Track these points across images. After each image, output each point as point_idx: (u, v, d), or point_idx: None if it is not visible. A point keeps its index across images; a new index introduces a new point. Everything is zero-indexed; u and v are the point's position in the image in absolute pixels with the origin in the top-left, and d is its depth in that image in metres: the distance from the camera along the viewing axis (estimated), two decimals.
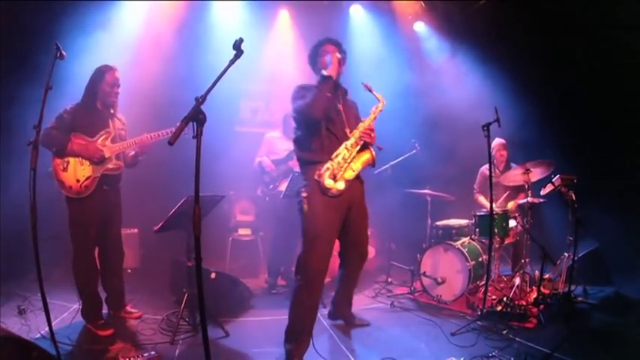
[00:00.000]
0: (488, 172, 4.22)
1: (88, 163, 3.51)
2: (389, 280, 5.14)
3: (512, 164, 5.13)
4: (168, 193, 4.83)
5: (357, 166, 3.14)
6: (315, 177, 3.01)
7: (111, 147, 3.62)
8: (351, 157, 3.12)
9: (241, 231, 5.60)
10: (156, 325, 3.74)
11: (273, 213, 5.25)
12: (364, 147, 3.20)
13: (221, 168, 5.50)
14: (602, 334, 3.63)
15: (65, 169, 3.45)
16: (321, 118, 3.07)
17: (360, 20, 6.62)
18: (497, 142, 5.11)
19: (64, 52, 3.00)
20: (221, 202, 5.32)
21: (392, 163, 5.04)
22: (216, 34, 5.88)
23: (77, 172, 3.48)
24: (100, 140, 3.57)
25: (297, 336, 3.06)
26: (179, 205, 3.42)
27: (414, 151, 5.07)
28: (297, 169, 5.27)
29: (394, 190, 5.08)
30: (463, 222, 4.95)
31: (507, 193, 5.01)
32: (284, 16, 6.54)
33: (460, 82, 6.30)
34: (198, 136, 2.19)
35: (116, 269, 3.86)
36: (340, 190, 3.04)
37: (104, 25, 5.21)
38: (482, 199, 5.22)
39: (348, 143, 3.13)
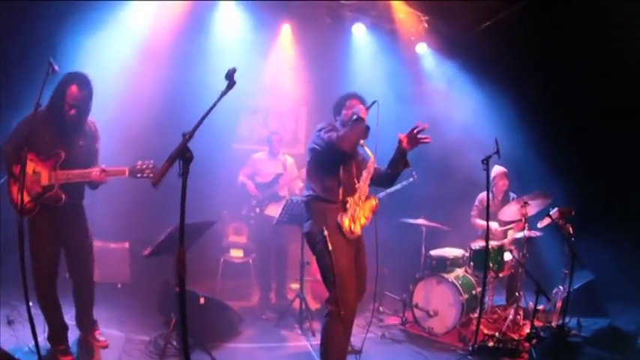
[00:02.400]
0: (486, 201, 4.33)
1: None
2: (380, 309, 5.22)
3: (512, 194, 5.25)
4: (159, 206, 4.85)
5: (367, 213, 3.35)
6: (338, 221, 3.20)
7: (57, 174, 3.34)
8: (362, 204, 3.33)
9: (233, 252, 5.66)
10: (143, 346, 3.82)
11: (260, 236, 5.48)
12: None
13: (216, 186, 5.60)
14: None
15: (15, 183, 3.29)
16: (348, 153, 3.24)
17: (362, 39, 6.73)
18: (498, 170, 5.22)
19: (56, 67, 3.02)
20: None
21: (388, 191, 5.12)
22: (217, 47, 5.99)
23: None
24: (47, 162, 3.34)
25: None
26: (168, 232, 3.47)
27: (412, 179, 5.16)
28: (281, 193, 5.45)
29: (388, 217, 5.15)
30: (458, 252, 5.01)
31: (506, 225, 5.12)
32: (286, 32, 6.64)
33: (458, 107, 6.42)
34: (184, 174, 2.09)
35: (82, 286, 3.67)
36: (358, 234, 3.29)
37: (102, 28, 5.29)
38: (480, 222, 5.29)
39: (361, 194, 3.34)
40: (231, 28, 6.11)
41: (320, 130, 3.32)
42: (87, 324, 3.76)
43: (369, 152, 3.47)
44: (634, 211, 4.82)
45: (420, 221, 5.08)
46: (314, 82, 6.69)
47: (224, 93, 2.27)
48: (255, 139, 6.78)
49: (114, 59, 5.29)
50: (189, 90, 5.54)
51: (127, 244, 5.53)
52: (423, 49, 6.87)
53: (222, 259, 5.65)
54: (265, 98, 6.73)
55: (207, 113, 2.22)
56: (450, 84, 6.66)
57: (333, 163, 3.28)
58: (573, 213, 4.23)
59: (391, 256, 5.54)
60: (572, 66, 5.35)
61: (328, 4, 6.22)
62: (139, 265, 5.56)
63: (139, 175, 3.41)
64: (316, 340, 4.23)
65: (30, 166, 3.26)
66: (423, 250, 5.16)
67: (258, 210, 5.38)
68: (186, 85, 5.64)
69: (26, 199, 3.25)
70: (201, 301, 4.09)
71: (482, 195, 5.37)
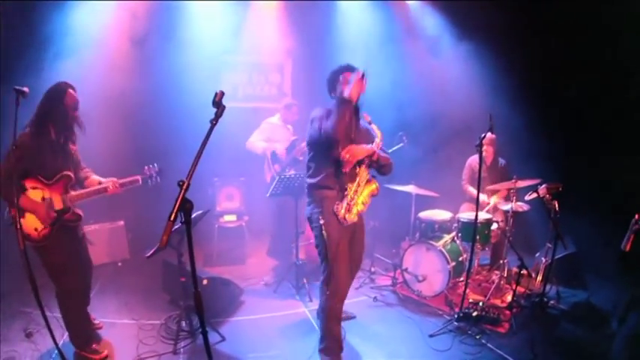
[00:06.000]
0: (476, 165, 4.64)
1: None
2: (372, 269, 5.68)
3: (501, 159, 5.56)
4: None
5: (366, 199, 3.61)
6: (334, 210, 3.47)
7: (71, 196, 3.43)
8: (362, 189, 3.57)
9: (227, 217, 6.01)
10: (155, 331, 4.20)
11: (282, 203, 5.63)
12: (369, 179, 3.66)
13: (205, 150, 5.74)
14: (569, 348, 4.08)
15: (23, 216, 3.22)
16: (340, 138, 3.36)
17: None
18: (487, 137, 5.44)
19: (25, 89, 2.95)
20: (205, 188, 5.69)
21: None
22: (194, 10, 5.89)
23: (34, 221, 3.30)
24: (56, 186, 3.37)
25: (335, 345, 3.64)
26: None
27: (402, 144, 5.38)
28: (300, 157, 5.58)
29: (379, 181, 5.45)
30: (446, 215, 5.39)
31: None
32: None
33: (448, 68, 6.46)
34: (187, 224, 2.02)
35: (89, 289, 3.84)
36: (354, 221, 3.56)
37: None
38: (472, 189, 5.56)
39: (361, 179, 3.56)
40: None
41: (312, 122, 3.47)
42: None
43: (375, 130, 3.62)
44: (620, 190, 5.06)
45: (410, 188, 5.34)
46: (297, 32, 6.62)
47: (214, 124, 2.15)
48: (240, 97, 6.82)
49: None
50: (168, 66, 5.56)
51: (122, 222, 5.83)
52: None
53: (216, 225, 6.01)
54: (248, 54, 6.66)
55: (199, 153, 2.09)
56: (439, 42, 6.62)
57: (330, 149, 3.42)
58: (561, 189, 4.48)
59: (381, 215, 5.88)
60: (564, 37, 5.48)
61: None
62: (136, 240, 5.92)
63: (149, 181, 3.73)
64: (313, 306, 4.76)
65: (37, 194, 3.30)
66: (413, 211, 5.49)
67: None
68: (165, 61, 5.67)
69: (41, 226, 3.31)
70: (205, 282, 4.48)
71: (472, 159, 5.65)
